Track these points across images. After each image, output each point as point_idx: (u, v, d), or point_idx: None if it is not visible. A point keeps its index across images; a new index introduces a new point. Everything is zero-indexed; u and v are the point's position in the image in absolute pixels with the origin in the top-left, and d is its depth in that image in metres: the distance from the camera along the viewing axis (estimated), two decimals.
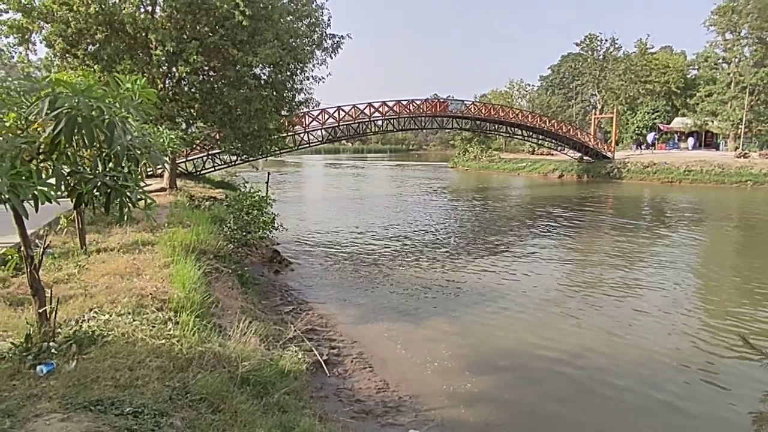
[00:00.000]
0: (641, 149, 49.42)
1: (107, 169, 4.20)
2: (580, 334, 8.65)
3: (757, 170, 34.31)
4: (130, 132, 4.05)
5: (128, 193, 4.02)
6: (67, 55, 14.07)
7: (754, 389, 6.56)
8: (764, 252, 15.99)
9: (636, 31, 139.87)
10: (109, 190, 4.00)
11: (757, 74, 43.01)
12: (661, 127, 51.56)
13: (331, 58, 18.83)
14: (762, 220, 21.81)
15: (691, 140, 48.61)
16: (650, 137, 49.73)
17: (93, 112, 3.60)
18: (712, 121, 47.26)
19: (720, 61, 48.42)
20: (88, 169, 4.25)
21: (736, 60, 46.20)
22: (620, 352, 7.87)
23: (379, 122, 31.62)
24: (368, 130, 32.48)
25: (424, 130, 46.34)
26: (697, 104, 49.12)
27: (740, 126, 44.10)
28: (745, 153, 38.05)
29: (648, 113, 53.58)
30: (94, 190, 4.02)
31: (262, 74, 16.58)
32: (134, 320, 5.00)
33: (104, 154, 4.30)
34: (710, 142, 49.06)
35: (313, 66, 18.44)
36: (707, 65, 50.05)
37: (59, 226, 8.31)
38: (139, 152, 4.34)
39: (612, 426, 5.77)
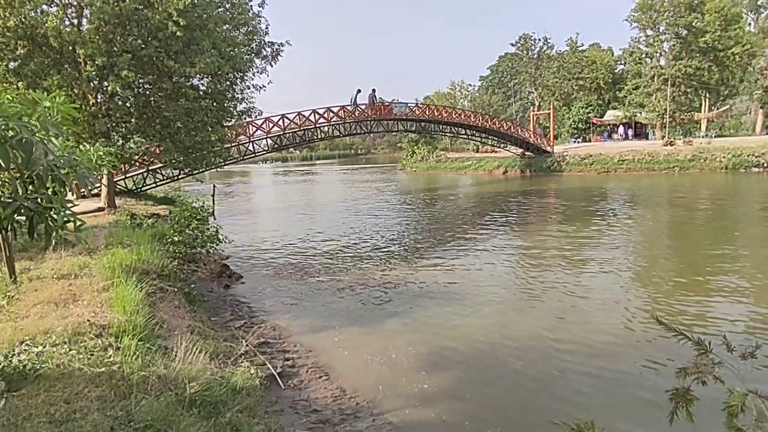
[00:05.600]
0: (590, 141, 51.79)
1: (29, 192, 3.96)
2: (529, 323, 8.95)
3: (682, 156, 36.72)
4: (51, 151, 3.83)
5: (53, 216, 3.80)
6: None
7: (674, 366, 6.91)
8: (693, 232, 17.13)
9: (567, 30, 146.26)
10: (31, 214, 3.76)
11: (674, 66, 46.08)
12: (594, 121, 54.26)
13: (271, 66, 18.63)
14: (689, 202, 23.41)
15: (630, 131, 51.52)
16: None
17: (9, 132, 3.39)
18: (640, 113, 50.25)
19: (644, 55, 51.42)
20: (7, 193, 3.99)
21: (658, 54, 49.32)
22: (566, 339, 8.18)
23: (325, 128, 31.45)
24: (315, 137, 32.28)
25: (371, 134, 46.44)
26: (626, 97, 52.06)
27: (665, 116, 47.07)
28: (671, 141, 40.58)
29: (582, 108, 56.34)
30: (15, 215, 3.78)
31: (200, 85, 16.11)
32: (70, 349, 4.71)
33: (26, 176, 4.05)
34: (640, 132, 52.12)
35: (253, 74, 18.19)
36: (632, 60, 52.98)
37: None
38: (64, 172, 4.12)
39: (560, 408, 6.00)
